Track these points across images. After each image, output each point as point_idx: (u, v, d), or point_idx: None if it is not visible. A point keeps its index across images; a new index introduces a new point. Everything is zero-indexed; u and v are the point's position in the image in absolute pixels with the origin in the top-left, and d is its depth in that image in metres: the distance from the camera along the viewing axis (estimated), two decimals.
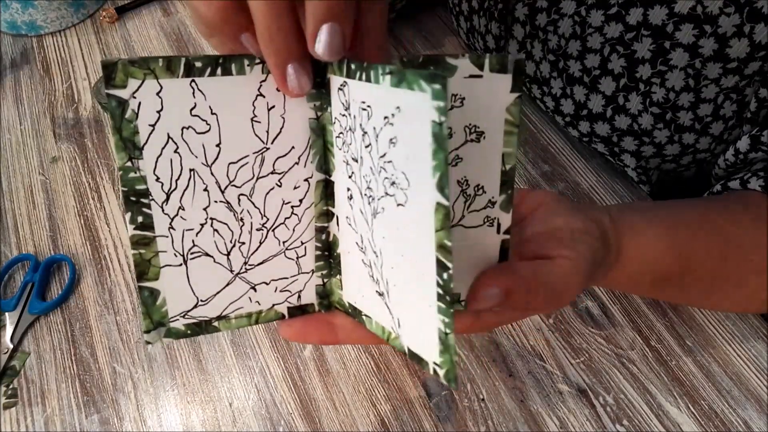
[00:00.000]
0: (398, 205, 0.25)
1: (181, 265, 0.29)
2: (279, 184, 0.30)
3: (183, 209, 0.28)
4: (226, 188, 0.29)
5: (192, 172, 0.28)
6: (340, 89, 0.27)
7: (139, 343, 0.56)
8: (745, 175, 0.46)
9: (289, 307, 0.32)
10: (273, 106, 0.28)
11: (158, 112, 0.26)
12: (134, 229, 0.28)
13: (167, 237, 0.28)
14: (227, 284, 0.30)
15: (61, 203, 0.66)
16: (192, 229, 0.29)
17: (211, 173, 0.28)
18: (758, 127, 0.46)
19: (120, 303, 0.58)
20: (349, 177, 0.28)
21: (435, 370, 0.26)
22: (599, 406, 0.50)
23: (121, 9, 0.86)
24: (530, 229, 0.34)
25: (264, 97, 0.28)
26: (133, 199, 0.27)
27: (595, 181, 0.63)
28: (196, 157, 0.28)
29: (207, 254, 0.29)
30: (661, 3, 0.46)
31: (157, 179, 0.27)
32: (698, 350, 0.52)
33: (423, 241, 0.24)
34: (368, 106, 0.25)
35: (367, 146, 0.26)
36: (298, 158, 0.30)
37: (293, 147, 0.29)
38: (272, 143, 0.29)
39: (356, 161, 0.27)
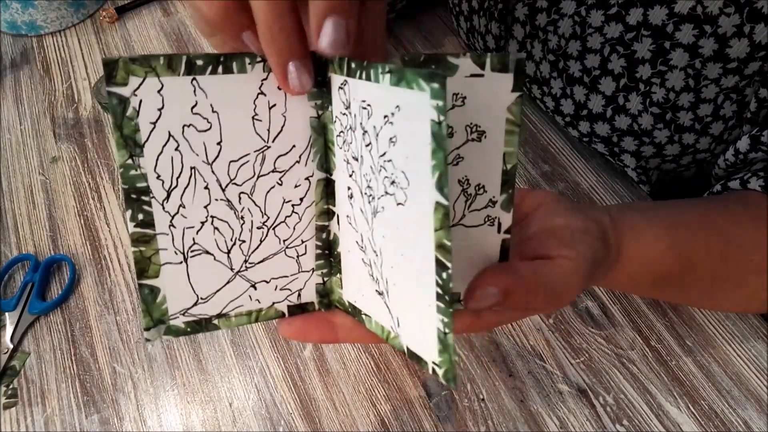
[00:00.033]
0: (398, 204, 0.25)
1: (181, 262, 0.29)
2: (280, 182, 0.30)
3: (183, 207, 0.28)
4: (226, 186, 0.29)
5: (193, 170, 0.28)
6: (340, 88, 0.27)
7: (139, 343, 0.56)
8: (745, 175, 0.46)
9: (289, 306, 0.32)
10: (274, 105, 0.28)
11: (159, 109, 0.26)
12: (135, 226, 0.28)
13: (168, 235, 0.28)
14: (227, 282, 0.30)
15: (61, 203, 0.66)
16: (192, 227, 0.29)
17: (212, 171, 0.28)
18: (758, 127, 0.46)
19: (120, 303, 0.58)
20: (350, 176, 0.28)
21: (434, 370, 0.26)
22: (599, 406, 0.50)
23: (121, 9, 0.86)
24: (530, 229, 0.34)
25: (265, 95, 0.28)
26: (133, 196, 0.27)
27: (595, 181, 0.64)
28: (197, 155, 0.28)
29: (207, 252, 0.29)
30: (661, 3, 0.46)
31: (158, 177, 0.27)
32: (698, 350, 0.52)
33: (422, 240, 0.24)
34: (368, 105, 0.25)
35: (367, 145, 0.26)
36: (299, 157, 0.30)
37: (294, 145, 0.29)
38: (273, 142, 0.29)
39: (356, 160, 0.27)
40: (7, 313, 0.57)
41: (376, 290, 0.29)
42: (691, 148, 0.52)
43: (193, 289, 0.30)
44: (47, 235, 0.64)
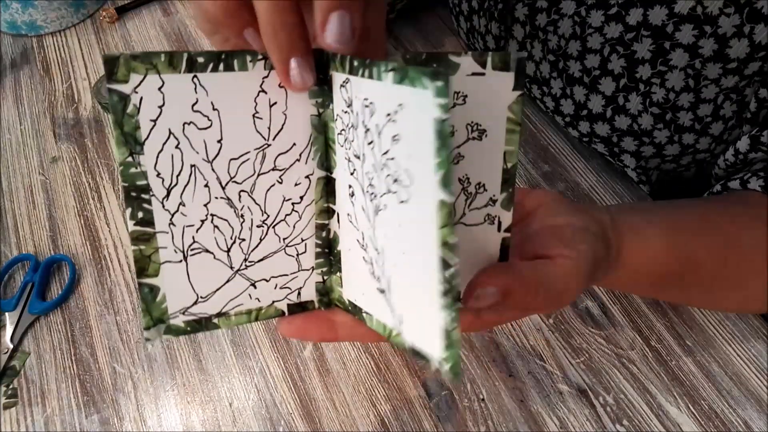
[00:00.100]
0: (401, 202, 0.25)
1: (181, 261, 0.29)
2: (280, 180, 0.30)
3: (183, 205, 0.28)
4: (227, 184, 0.29)
5: (193, 168, 0.28)
6: (342, 86, 0.27)
7: (139, 343, 0.56)
8: (745, 175, 0.46)
9: (289, 304, 0.32)
10: (275, 103, 0.28)
11: (160, 107, 0.26)
12: (134, 224, 0.27)
13: (167, 233, 0.28)
14: (227, 281, 0.30)
15: (61, 203, 0.66)
16: (192, 225, 0.29)
17: (212, 169, 0.28)
18: (758, 127, 0.46)
19: (120, 303, 0.58)
20: (351, 174, 0.28)
21: (439, 366, 0.26)
22: (599, 406, 0.50)
23: (121, 9, 0.86)
24: (531, 229, 0.34)
25: (266, 93, 0.28)
26: (133, 194, 0.27)
27: (595, 181, 0.64)
28: (198, 152, 0.28)
29: (207, 251, 0.29)
30: (661, 3, 0.46)
31: (158, 175, 0.27)
32: (698, 350, 0.52)
33: (426, 238, 0.24)
34: (371, 103, 0.25)
35: (369, 143, 0.26)
36: (300, 155, 0.30)
37: (294, 144, 0.29)
38: (273, 140, 0.29)
39: (358, 158, 0.27)
40: (7, 313, 0.57)
41: (378, 288, 0.29)
42: (691, 148, 0.52)
43: (192, 287, 0.30)
44: (47, 235, 0.64)
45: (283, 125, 0.29)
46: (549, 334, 0.54)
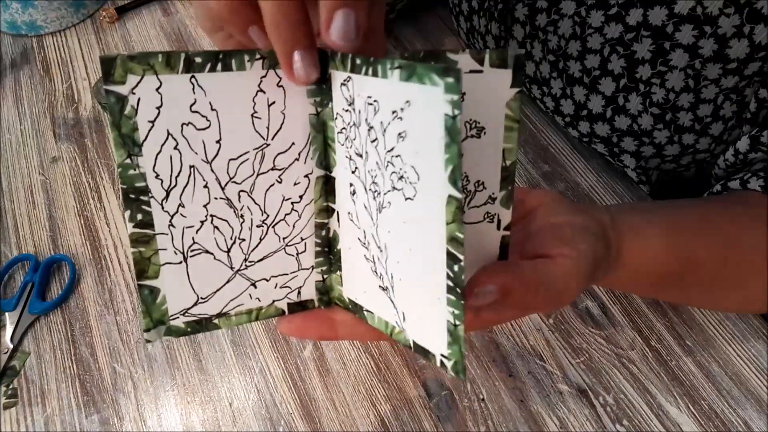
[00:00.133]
0: (406, 198, 0.25)
1: (181, 262, 0.29)
2: (279, 180, 0.30)
3: (183, 206, 0.28)
4: (226, 185, 0.29)
5: (192, 169, 0.28)
6: (343, 84, 0.27)
7: (139, 343, 0.56)
8: (745, 175, 0.46)
9: (289, 303, 0.32)
10: (273, 102, 0.28)
11: (158, 108, 0.26)
12: (134, 227, 0.27)
13: (167, 234, 0.28)
14: (227, 281, 0.30)
15: (61, 203, 0.66)
16: (192, 227, 0.29)
17: (212, 170, 0.28)
18: (758, 128, 0.46)
19: (120, 303, 0.58)
20: (353, 172, 0.28)
21: (442, 362, 0.26)
22: (599, 406, 0.50)
23: (121, 9, 0.86)
24: (531, 228, 0.34)
25: (264, 92, 0.28)
26: (132, 196, 0.27)
27: (595, 181, 0.64)
28: (196, 153, 0.28)
29: (207, 251, 0.29)
30: (661, 3, 0.46)
31: (157, 176, 0.27)
32: (698, 350, 0.52)
33: (432, 234, 0.24)
34: (375, 101, 0.25)
35: (373, 141, 0.26)
36: (298, 154, 0.30)
37: (293, 143, 0.29)
38: (272, 139, 0.29)
39: (360, 156, 0.27)
40: (7, 313, 0.57)
41: (380, 286, 0.29)
42: (690, 148, 0.52)
43: (193, 288, 0.30)
44: (47, 235, 0.64)
45: (281, 125, 0.29)
46: (549, 334, 0.53)
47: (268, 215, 0.30)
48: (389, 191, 0.26)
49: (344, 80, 0.27)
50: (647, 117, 0.51)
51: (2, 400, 0.53)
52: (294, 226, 0.31)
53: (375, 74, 0.25)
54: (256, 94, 0.28)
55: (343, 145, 0.29)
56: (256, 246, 0.30)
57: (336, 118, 0.29)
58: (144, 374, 0.54)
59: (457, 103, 0.21)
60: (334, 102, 0.28)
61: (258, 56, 0.28)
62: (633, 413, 0.49)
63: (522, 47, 0.59)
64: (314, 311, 0.33)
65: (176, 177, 0.28)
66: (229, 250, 0.30)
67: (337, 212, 0.31)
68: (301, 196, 0.31)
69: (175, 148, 0.27)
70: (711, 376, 0.50)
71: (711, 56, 0.46)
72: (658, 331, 0.53)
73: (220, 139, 0.28)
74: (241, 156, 0.29)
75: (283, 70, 0.27)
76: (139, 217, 0.27)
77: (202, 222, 0.29)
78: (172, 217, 0.28)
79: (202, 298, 0.30)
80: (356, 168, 0.28)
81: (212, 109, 0.27)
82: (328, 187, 0.31)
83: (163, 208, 0.28)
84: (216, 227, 0.29)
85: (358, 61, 0.26)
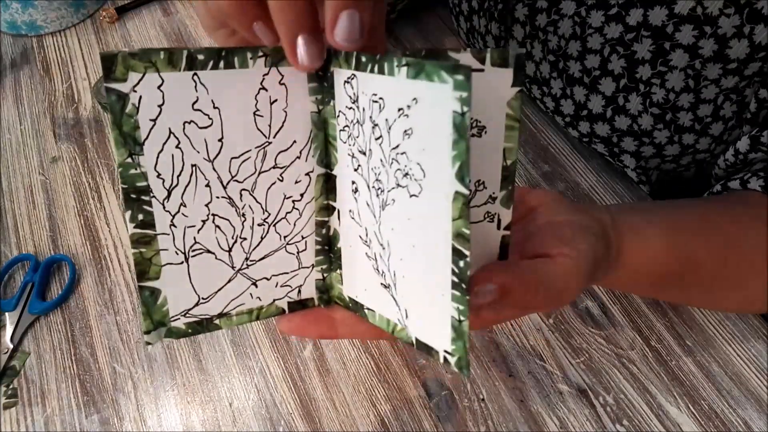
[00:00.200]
0: (411, 195, 0.25)
1: (182, 263, 0.29)
2: (280, 178, 0.30)
3: (185, 206, 0.28)
4: (228, 183, 0.29)
5: (194, 168, 0.28)
6: (347, 82, 0.27)
7: (139, 343, 0.56)
8: (745, 175, 0.46)
9: (289, 302, 0.32)
10: (275, 100, 0.28)
11: (159, 106, 0.26)
12: (134, 227, 0.27)
13: (168, 235, 0.28)
14: (228, 281, 0.30)
15: (61, 203, 0.66)
16: (194, 226, 0.28)
17: (213, 168, 0.28)
18: (758, 128, 0.46)
19: (120, 303, 0.58)
20: (355, 170, 0.28)
21: (446, 359, 0.26)
22: (599, 406, 0.50)
23: (121, 9, 0.86)
24: (531, 228, 0.34)
25: (266, 90, 0.28)
26: (133, 196, 0.27)
27: (595, 181, 0.64)
28: (198, 152, 0.27)
29: (208, 251, 0.29)
30: (661, 4, 0.46)
31: (158, 175, 0.27)
32: (698, 350, 0.52)
33: (437, 230, 0.24)
34: (380, 99, 0.25)
35: (377, 138, 0.26)
36: (300, 152, 0.30)
37: (295, 141, 0.29)
38: (274, 137, 0.29)
39: (364, 154, 0.27)
40: (7, 313, 0.57)
41: (382, 283, 0.29)
42: (690, 148, 0.52)
43: (194, 289, 0.29)
44: (47, 235, 0.63)
45: (283, 123, 0.29)
46: (549, 334, 0.53)
47: (269, 214, 0.30)
48: (393, 188, 0.26)
49: (348, 78, 0.27)
50: (647, 117, 0.51)
51: (2, 400, 0.53)
52: (295, 225, 0.31)
53: (381, 72, 0.25)
54: (259, 92, 0.28)
55: (345, 142, 0.29)
56: (257, 245, 0.30)
57: (338, 116, 0.29)
58: (144, 374, 0.54)
59: (466, 100, 0.21)
60: (337, 100, 0.28)
61: (260, 53, 0.27)
62: (633, 413, 0.49)
63: (522, 47, 0.59)
64: (314, 310, 0.33)
65: (178, 176, 0.27)
66: (230, 250, 0.30)
67: (338, 210, 0.31)
68: (302, 195, 0.31)
69: (177, 146, 0.27)
70: (711, 376, 0.50)
71: (711, 56, 0.46)
72: (658, 331, 0.53)
73: (222, 138, 0.28)
74: (243, 154, 0.28)
75: (286, 55, 0.27)
76: (140, 217, 0.27)
77: (204, 221, 0.29)
78: (173, 216, 0.28)
79: (203, 299, 0.30)
80: (359, 166, 0.28)
81: (214, 107, 0.27)
82: (328, 185, 0.31)
83: (164, 207, 0.27)
84: (217, 226, 0.29)
85: (363, 59, 0.26)
